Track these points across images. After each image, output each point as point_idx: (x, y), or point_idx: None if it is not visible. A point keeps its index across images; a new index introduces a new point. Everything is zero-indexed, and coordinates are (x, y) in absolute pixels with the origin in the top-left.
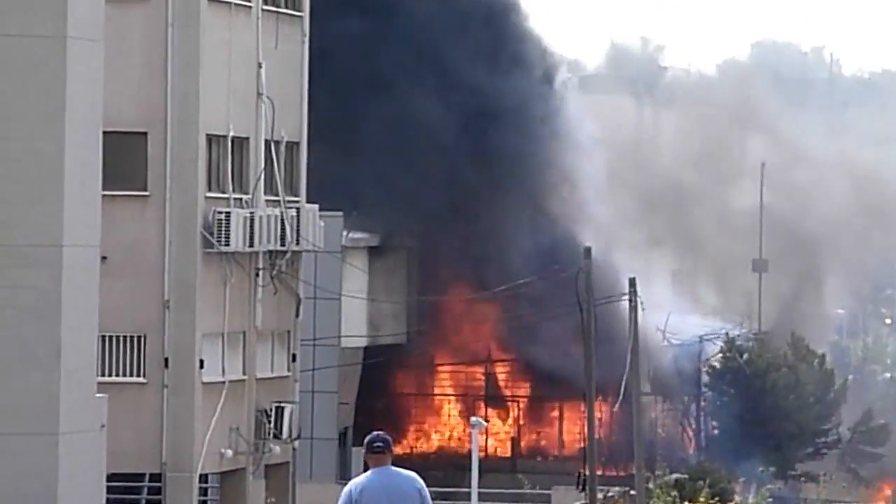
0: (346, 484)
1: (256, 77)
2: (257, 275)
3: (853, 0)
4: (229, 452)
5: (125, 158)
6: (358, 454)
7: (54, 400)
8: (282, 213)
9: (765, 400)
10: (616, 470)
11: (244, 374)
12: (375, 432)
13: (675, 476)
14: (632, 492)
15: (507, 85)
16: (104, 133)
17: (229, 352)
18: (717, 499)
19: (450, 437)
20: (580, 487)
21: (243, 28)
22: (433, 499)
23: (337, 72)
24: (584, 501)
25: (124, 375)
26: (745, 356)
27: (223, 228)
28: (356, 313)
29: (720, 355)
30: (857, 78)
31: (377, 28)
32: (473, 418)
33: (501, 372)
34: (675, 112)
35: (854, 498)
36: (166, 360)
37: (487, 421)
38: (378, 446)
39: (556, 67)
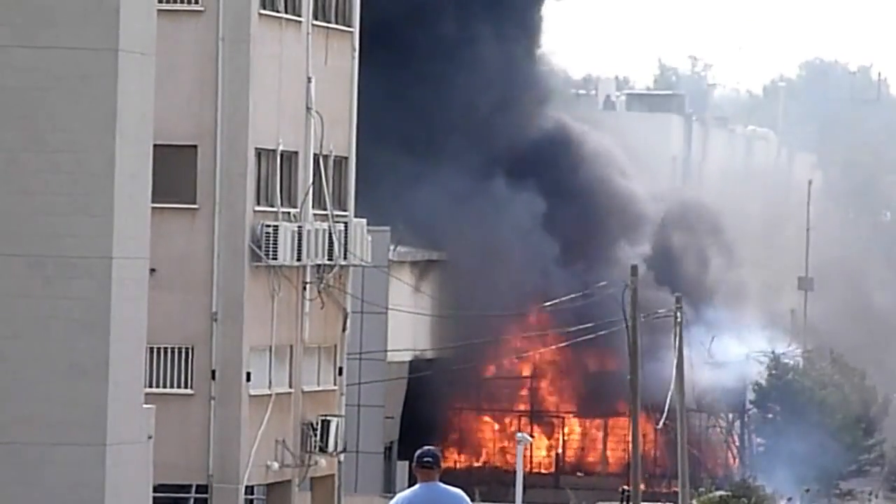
0: (391, 497)
1: (306, 92)
2: (305, 288)
3: None
4: (275, 465)
5: (175, 171)
6: (403, 468)
7: (102, 411)
8: (330, 227)
9: (810, 417)
10: (660, 486)
11: (291, 387)
12: (426, 447)
13: (719, 493)
14: None
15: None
16: (154, 146)
17: (276, 365)
18: None
19: (494, 452)
20: (623, 503)
21: (293, 43)
22: None
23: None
24: None
25: (172, 387)
26: (791, 374)
27: (271, 242)
28: (402, 328)
29: (766, 373)
30: None
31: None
32: (518, 434)
33: (546, 387)
34: (723, 130)
35: None
36: (213, 372)
37: (532, 436)
38: (427, 461)
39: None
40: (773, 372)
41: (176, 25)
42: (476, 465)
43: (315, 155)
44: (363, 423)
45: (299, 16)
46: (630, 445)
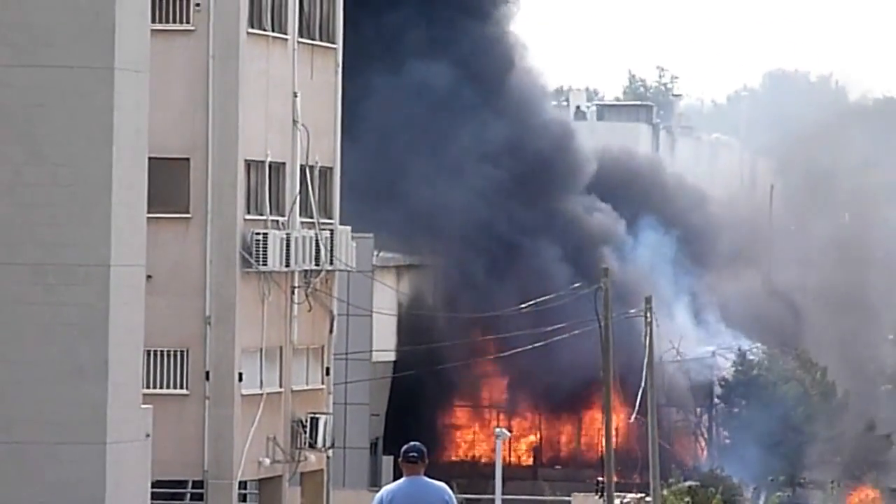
0: (377, 491)
1: (292, 106)
2: (293, 293)
3: (860, 28)
4: (267, 461)
5: (169, 183)
6: (388, 462)
7: (101, 411)
8: (316, 234)
9: (774, 411)
10: (632, 477)
11: (281, 386)
12: (412, 442)
13: (688, 483)
14: (647, 498)
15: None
16: (149, 159)
17: (267, 365)
18: None
19: (474, 447)
20: (598, 494)
21: (280, 59)
22: None
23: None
24: None
25: (168, 388)
26: (756, 370)
27: (261, 249)
28: (386, 329)
29: (733, 369)
30: (860, 104)
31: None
32: (497, 429)
33: (524, 384)
34: (689, 138)
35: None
36: (207, 373)
37: (511, 431)
38: (413, 456)
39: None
40: (739, 368)
41: (168, 44)
42: (457, 458)
43: (301, 166)
44: (350, 421)
45: (285, 34)
46: (604, 439)
